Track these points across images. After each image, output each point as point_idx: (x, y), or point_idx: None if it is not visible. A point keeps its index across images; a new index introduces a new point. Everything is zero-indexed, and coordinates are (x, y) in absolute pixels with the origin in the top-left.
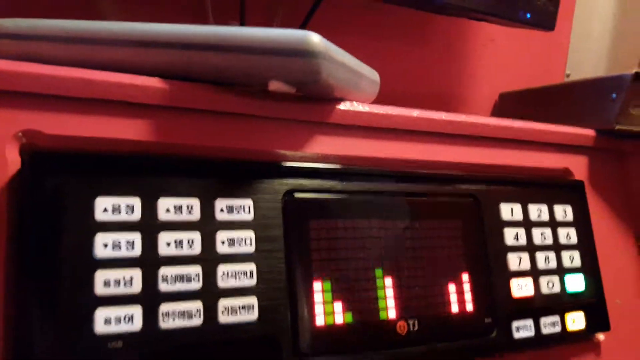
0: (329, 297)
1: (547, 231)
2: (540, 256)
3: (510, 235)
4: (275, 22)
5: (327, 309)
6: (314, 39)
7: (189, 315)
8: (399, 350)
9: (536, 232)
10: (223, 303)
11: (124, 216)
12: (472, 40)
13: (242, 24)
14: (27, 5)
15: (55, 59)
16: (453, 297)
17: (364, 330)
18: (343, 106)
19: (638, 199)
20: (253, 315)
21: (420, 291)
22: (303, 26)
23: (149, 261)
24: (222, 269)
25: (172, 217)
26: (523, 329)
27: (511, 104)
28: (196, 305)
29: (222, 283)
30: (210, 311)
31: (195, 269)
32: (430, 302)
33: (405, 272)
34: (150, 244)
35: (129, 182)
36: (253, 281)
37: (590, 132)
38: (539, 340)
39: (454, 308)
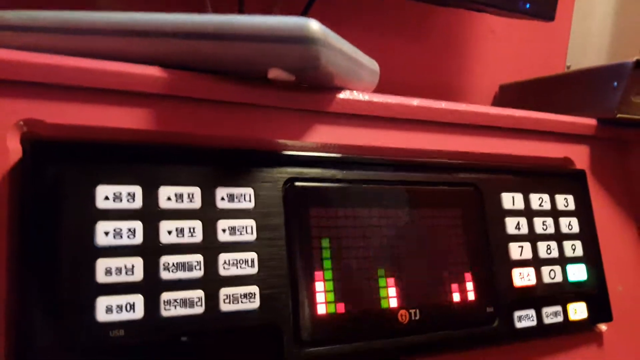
0: (330, 285)
1: (549, 220)
2: (541, 246)
3: (511, 225)
4: (274, 13)
5: (328, 298)
6: (313, 25)
7: (190, 303)
8: (400, 339)
9: (538, 222)
10: (224, 291)
11: (125, 204)
12: (472, 32)
13: (241, 12)
14: None
15: (55, 49)
16: (454, 287)
17: (365, 319)
18: (343, 95)
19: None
20: (254, 304)
21: (421, 280)
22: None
23: (150, 249)
24: (223, 257)
25: (173, 205)
26: (525, 318)
27: (511, 95)
28: (197, 294)
29: (224, 271)
30: (211, 299)
31: (197, 257)
32: (431, 291)
33: (407, 261)
34: (151, 232)
35: (130, 171)
36: (254, 270)
37: (591, 121)
38: (541, 330)
39: (456, 297)
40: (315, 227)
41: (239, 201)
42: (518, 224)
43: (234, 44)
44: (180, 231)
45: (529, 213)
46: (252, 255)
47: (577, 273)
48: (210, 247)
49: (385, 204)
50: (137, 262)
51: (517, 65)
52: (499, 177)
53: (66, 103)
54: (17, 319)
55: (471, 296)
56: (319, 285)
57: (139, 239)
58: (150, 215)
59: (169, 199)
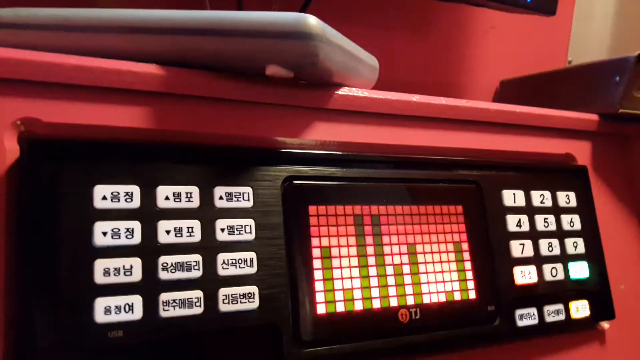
0: (330, 285)
1: (550, 217)
2: (543, 243)
3: (512, 222)
4: (272, 10)
5: (328, 297)
6: (311, 20)
7: (189, 304)
8: (400, 339)
9: (539, 219)
10: (223, 291)
11: (123, 204)
12: (473, 27)
13: (240, 9)
14: None
15: (54, 47)
16: (455, 285)
17: (366, 319)
18: (342, 92)
19: None
20: (254, 304)
21: (422, 279)
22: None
23: (149, 249)
24: (222, 257)
25: (171, 204)
26: (526, 317)
27: (512, 91)
28: (196, 294)
29: (222, 271)
30: (210, 300)
31: (195, 257)
32: (432, 290)
33: (407, 260)
34: (149, 232)
35: (128, 170)
36: (253, 269)
37: (593, 117)
38: (543, 328)
39: (456, 296)
40: (314, 225)
41: (238, 200)
42: (519, 221)
43: (231, 40)
44: (179, 231)
45: (530, 210)
46: (251, 255)
47: (579, 271)
48: (209, 247)
49: (385, 201)
50: (136, 263)
51: (518, 61)
52: (499, 174)
53: (64, 102)
54: (15, 319)
55: (472, 295)
56: (319, 285)
57: (137, 239)
58: (149, 215)
59: (167, 198)
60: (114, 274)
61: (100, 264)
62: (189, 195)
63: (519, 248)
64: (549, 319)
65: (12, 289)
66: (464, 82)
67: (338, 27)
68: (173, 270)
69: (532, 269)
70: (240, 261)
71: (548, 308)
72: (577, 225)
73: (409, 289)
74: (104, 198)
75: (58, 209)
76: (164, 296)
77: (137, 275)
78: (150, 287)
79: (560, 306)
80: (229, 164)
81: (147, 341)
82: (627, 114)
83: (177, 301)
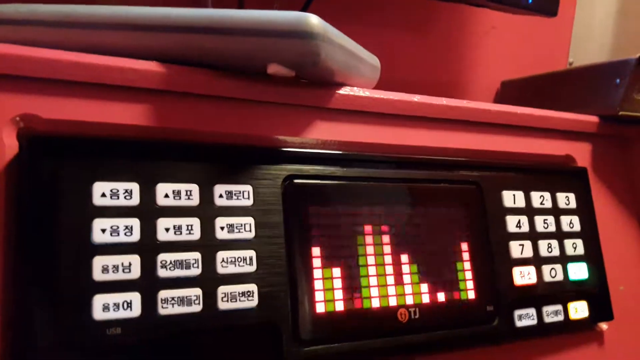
0: (329, 284)
1: (550, 219)
2: (542, 244)
3: (512, 223)
4: (274, 9)
5: (327, 296)
6: (313, 20)
7: (188, 301)
8: (399, 338)
9: (539, 220)
10: (222, 289)
11: (122, 201)
12: (474, 28)
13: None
14: None
15: (54, 44)
16: (454, 285)
17: (365, 318)
18: (343, 91)
19: None
20: (253, 302)
21: (421, 279)
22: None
23: (148, 247)
24: (221, 255)
25: (170, 202)
26: (525, 317)
27: (513, 92)
28: (195, 292)
29: (222, 269)
30: (209, 298)
31: (195, 255)
32: (431, 289)
33: (407, 259)
34: (148, 229)
35: (127, 167)
36: (253, 267)
37: (593, 118)
38: (542, 329)
39: (456, 296)
40: (314, 224)
41: (238, 198)
42: (519, 222)
43: (233, 39)
44: (178, 229)
45: (530, 211)
46: (251, 253)
47: (578, 272)
48: (209, 245)
49: (386, 201)
50: (134, 260)
51: (519, 62)
52: (500, 175)
53: (64, 98)
54: (14, 317)
55: (471, 295)
56: (318, 284)
57: (136, 236)
58: (148, 212)
59: (166, 196)
60: (113, 271)
61: (98, 261)
62: (188, 193)
63: (519, 249)
64: (547, 319)
65: (11, 286)
66: (465, 83)
67: (339, 26)
68: (172, 268)
69: (532, 269)
70: (239, 259)
71: (547, 309)
72: (577, 227)
73: (408, 289)
74: (103, 195)
75: (57, 206)
76: (163, 294)
77: (135, 273)
78: (149, 285)
79: (559, 307)
80: (229, 162)
81: (145, 339)
82: (627, 116)
83: (176, 299)
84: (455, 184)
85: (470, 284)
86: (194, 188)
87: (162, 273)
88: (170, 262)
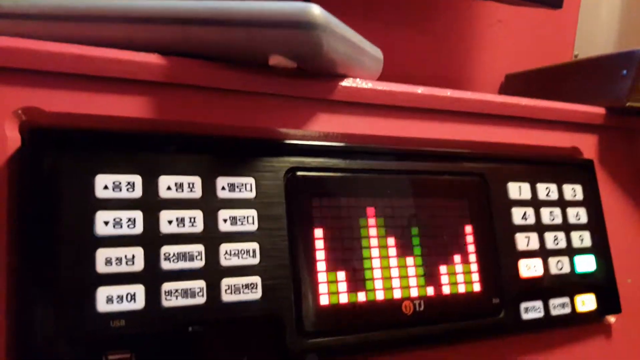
0: (333, 276)
1: (556, 211)
2: (549, 236)
3: (518, 215)
4: None
5: (330, 289)
6: (315, 10)
7: (192, 293)
8: (404, 330)
9: (545, 212)
10: (226, 282)
11: (124, 194)
12: (478, 21)
13: None
14: None
15: (54, 37)
16: (460, 277)
17: (369, 310)
18: (346, 83)
19: None
20: (256, 294)
21: (426, 271)
22: None
23: (151, 239)
24: (224, 247)
25: (173, 194)
26: (532, 310)
27: (518, 85)
28: (199, 284)
29: (225, 262)
30: (213, 290)
31: (198, 248)
32: (436, 282)
33: (411, 252)
34: (151, 222)
35: (130, 160)
36: (256, 260)
37: (599, 110)
38: (548, 321)
39: (461, 288)
40: (317, 217)
41: (240, 191)
42: (525, 214)
43: (233, 30)
44: (181, 221)
45: (535, 203)
46: (254, 246)
47: (585, 264)
48: (211, 237)
49: (389, 193)
50: (138, 252)
51: (523, 55)
52: (505, 167)
53: (65, 91)
54: (17, 309)
55: (477, 287)
56: (322, 276)
57: (139, 228)
58: (150, 204)
59: (169, 188)
60: (116, 264)
61: (102, 254)
62: (191, 185)
63: (525, 241)
64: (554, 312)
65: (14, 278)
66: (469, 76)
67: (341, 18)
68: (175, 260)
69: (538, 262)
70: (242, 252)
71: (553, 301)
72: (584, 219)
73: (412, 281)
74: (106, 187)
75: (60, 199)
76: (166, 286)
77: (139, 265)
78: (152, 277)
79: (565, 299)
80: (231, 155)
81: (149, 331)
82: (634, 107)
83: (179, 291)
84: (460, 176)
85: (475, 277)
86: (196, 180)
87: (165, 265)
88: (174, 255)
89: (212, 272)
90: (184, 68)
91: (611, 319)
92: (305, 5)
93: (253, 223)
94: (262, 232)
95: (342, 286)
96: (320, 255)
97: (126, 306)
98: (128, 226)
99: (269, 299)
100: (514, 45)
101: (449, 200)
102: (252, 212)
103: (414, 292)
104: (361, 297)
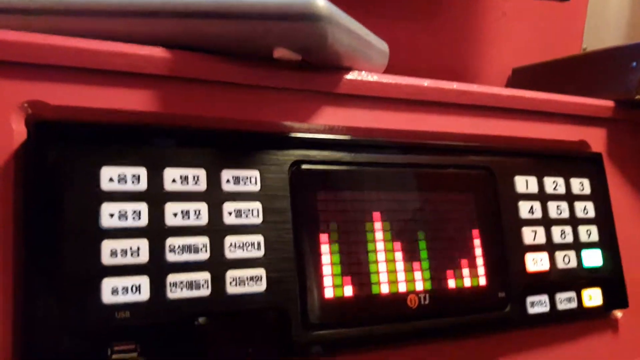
0: (338, 269)
1: (564, 205)
2: (556, 230)
3: (525, 209)
4: None
5: (335, 281)
6: (319, 2)
7: (197, 285)
8: (409, 324)
9: (552, 206)
10: (231, 274)
11: (129, 186)
12: (484, 14)
13: None
14: None
15: (58, 32)
16: (465, 271)
17: (374, 304)
18: (351, 76)
19: None
20: (261, 287)
21: (431, 264)
22: None
23: (156, 231)
24: (229, 240)
25: (178, 187)
26: (538, 304)
27: (525, 79)
28: (204, 276)
29: (230, 254)
30: (218, 282)
31: (203, 240)
32: (442, 275)
33: (417, 245)
34: (156, 214)
35: (135, 152)
36: (260, 252)
37: (608, 103)
38: (554, 316)
39: (467, 282)
40: (322, 210)
41: (245, 184)
42: (532, 208)
43: (237, 23)
44: (186, 213)
45: (543, 197)
46: (259, 238)
47: (593, 258)
48: (216, 230)
49: (395, 187)
50: (143, 244)
51: (530, 49)
52: (512, 160)
53: (70, 85)
54: (23, 300)
55: (482, 281)
56: (326, 269)
57: (144, 220)
58: (156, 197)
59: (174, 181)
60: (121, 255)
61: (107, 245)
62: (196, 178)
63: (531, 235)
64: (560, 306)
65: (19, 270)
66: (476, 71)
67: (346, 11)
68: (180, 252)
69: (544, 256)
70: (247, 244)
71: (560, 296)
72: (591, 213)
73: (417, 275)
74: (111, 180)
75: (65, 191)
76: (171, 278)
77: (144, 257)
78: (157, 269)
79: (572, 294)
80: (236, 148)
81: (154, 322)
82: None
83: (184, 283)
84: (466, 169)
85: (481, 270)
86: (201, 173)
87: (170, 257)
88: (179, 247)
89: (217, 264)
90: (188, 61)
91: (618, 314)
92: None
93: (258, 216)
94: (266, 225)
95: (347, 279)
96: (325, 248)
97: (131, 298)
98: (133, 218)
99: (273, 291)
100: (520, 39)
101: (455, 194)
102: (257, 205)
103: (419, 286)
104: (366, 290)
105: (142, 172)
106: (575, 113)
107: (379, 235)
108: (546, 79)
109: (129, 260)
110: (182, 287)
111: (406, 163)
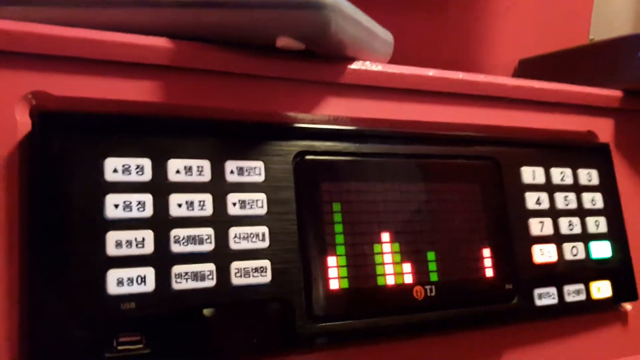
0: (343, 261)
1: (571, 195)
2: (563, 221)
3: (531, 200)
4: None
5: (340, 273)
6: None
7: (201, 276)
8: (415, 316)
9: (559, 197)
10: (236, 265)
11: (134, 177)
12: (491, 5)
13: None
14: None
15: (62, 22)
16: (472, 263)
17: (380, 295)
18: (355, 65)
19: None
20: (266, 278)
21: (437, 256)
22: None
23: (161, 222)
24: (234, 231)
25: (182, 178)
26: (545, 296)
27: (531, 70)
28: (209, 267)
29: (235, 245)
30: (223, 273)
31: (207, 231)
32: (448, 267)
33: (423, 237)
34: (161, 205)
35: (139, 143)
36: (265, 244)
37: (615, 93)
38: (562, 308)
39: (473, 274)
40: (326, 201)
41: (249, 174)
42: (538, 199)
43: (240, 12)
44: (190, 204)
45: (550, 188)
46: (263, 230)
47: (601, 250)
48: (221, 221)
49: (400, 178)
50: (148, 235)
51: (537, 40)
52: (518, 151)
53: (74, 75)
54: (28, 292)
55: (489, 273)
56: (331, 260)
57: (148, 211)
58: (160, 188)
59: (178, 171)
60: (126, 246)
61: (112, 236)
62: (200, 169)
63: (538, 226)
64: (568, 298)
65: (24, 262)
66: (481, 62)
67: (351, 0)
68: (185, 243)
69: (552, 247)
70: (252, 235)
71: (568, 288)
72: (599, 204)
73: (424, 266)
74: (115, 171)
75: (70, 182)
76: (176, 269)
77: (149, 248)
78: (162, 260)
79: (580, 286)
80: (240, 138)
81: (159, 313)
82: None
83: (189, 274)
84: (472, 160)
85: (488, 262)
86: (205, 164)
87: (175, 248)
88: (183, 238)
89: (222, 256)
90: (191, 52)
91: (627, 306)
92: None
93: (262, 207)
94: (271, 216)
95: (352, 270)
96: (329, 239)
97: (136, 289)
98: (138, 209)
99: (278, 282)
100: (527, 30)
101: (461, 185)
102: (261, 196)
103: (425, 277)
104: (371, 282)
105: (146, 163)
106: (582, 103)
107: (383, 226)
108: (553, 70)
109: (134, 251)
110: (187, 278)
111: (411, 154)
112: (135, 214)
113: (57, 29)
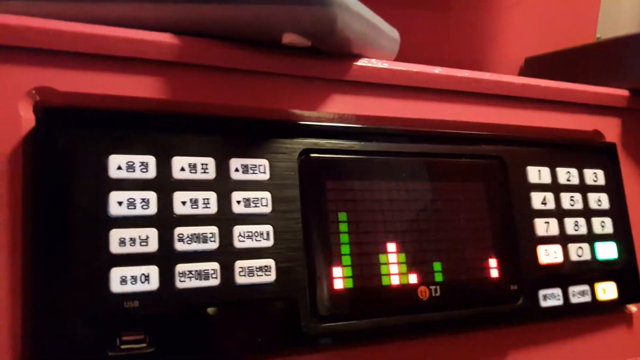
0: (348, 260)
1: (577, 196)
2: (569, 222)
3: (537, 200)
4: None
5: (345, 272)
6: None
7: (205, 275)
8: (420, 316)
9: (565, 197)
10: (240, 264)
11: (138, 174)
12: (497, 3)
13: None
14: None
15: (66, 17)
16: (477, 263)
17: (384, 295)
18: (361, 63)
19: None
20: (270, 277)
21: (442, 256)
22: None
23: (165, 220)
24: (238, 229)
25: (186, 175)
26: (550, 297)
27: (537, 68)
28: (213, 266)
29: (239, 244)
30: (227, 272)
31: (211, 229)
32: (453, 267)
33: (427, 236)
34: (165, 202)
35: (143, 140)
36: (270, 242)
37: (622, 92)
38: (568, 309)
39: (478, 274)
40: (331, 200)
41: (254, 172)
42: (544, 199)
43: (246, 7)
44: (194, 202)
45: (555, 188)
46: (268, 228)
47: (607, 251)
48: (225, 219)
49: (405, 176)
50: (152, 233)
51: (543, 39)
52: (524, 150)
53: (78, 71)
54: (31, 289)
55: (494, 273)
56: (336, 260)
57: (152, 209)
58: (164, 185)
59: (182, 169)
60: (130, 244)
61: (115, 234)
62: (204, 166)
63: (544, 226)
64: (574, 300)
65: (27, 259)
66: (487, 60)
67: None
68: (189, 242)
69: (557, 248)
70: (256, 234)
71: (573, 289)
72: (605, 205)
73: (428, 266)
74: (119, 168)
75: (73, 179)
76: (180, 267)
77: (153, 246)
78: (166, 258)
79: (586, 287)
80: (244, 136)
81: (163, 312)
82: None
83: (193, 272)
84: (477, 159)
85: (493, 262)
86: (210, 162)
87: (179, 246)
88: (188, 236)
89: (226, 254)
90: (196, 48)
91: (632, 308)
92: None
93: (267, 205)
94: (276, 215)
95: (357, 270)
96: (334, 238)
97: (140, 287)
98: (142, 207)
99: (283, 281)
100: (533, 29)
101: (466, 184)
102: (266, 194)
103: (430, 278)
104: (376, 281)
105: (150, 160)
106: (588, 102)
107: (388, 225)
108: (559, 69)
109: (137, 249)
110: (191, 276)
111: (416, 152)
112: (139, 211)
113: (61, 24)
